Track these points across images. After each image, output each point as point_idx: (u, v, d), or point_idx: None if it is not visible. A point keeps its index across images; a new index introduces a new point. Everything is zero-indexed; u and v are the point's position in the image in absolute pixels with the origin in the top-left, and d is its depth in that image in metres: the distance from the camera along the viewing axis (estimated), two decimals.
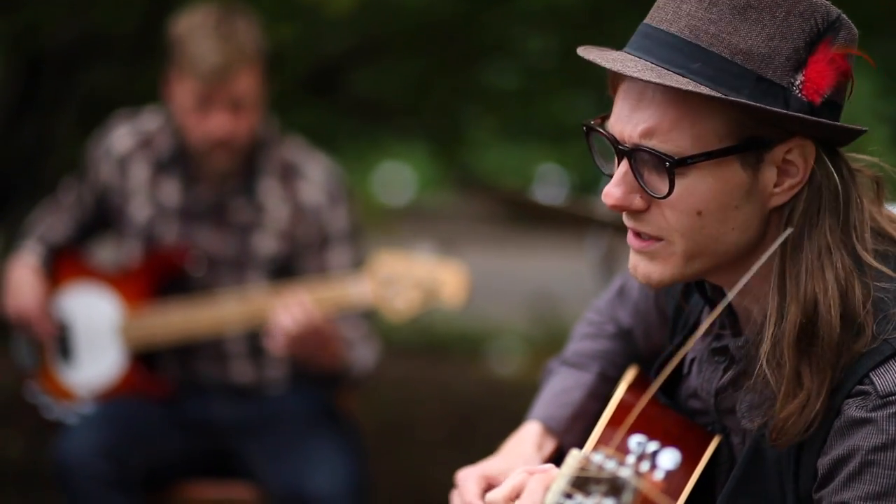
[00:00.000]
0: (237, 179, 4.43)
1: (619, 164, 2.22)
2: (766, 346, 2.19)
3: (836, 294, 2.15)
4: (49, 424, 4.50)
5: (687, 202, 2.17)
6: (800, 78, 2.14)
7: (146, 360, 4.46)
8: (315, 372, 4.40)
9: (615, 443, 2.09)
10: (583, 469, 1.95)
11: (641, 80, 2.14)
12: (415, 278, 4.24)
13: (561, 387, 2.73)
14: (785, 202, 2.19)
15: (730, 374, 2.33)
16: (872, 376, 2.12)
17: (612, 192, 2.22)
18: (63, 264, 4.54)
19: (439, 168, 10.98)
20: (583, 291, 5.79)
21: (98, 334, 4.47)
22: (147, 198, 4.46)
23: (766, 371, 2.19)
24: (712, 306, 2.38)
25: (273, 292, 4.30)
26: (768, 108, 2.11)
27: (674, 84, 2.11)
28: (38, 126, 6.86)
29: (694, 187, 2.16)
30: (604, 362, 2.74)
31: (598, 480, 1.92)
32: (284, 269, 4.44)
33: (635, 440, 1.95)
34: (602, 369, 2.74)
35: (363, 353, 4.43)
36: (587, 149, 2.32)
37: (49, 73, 6.75)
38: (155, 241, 4.45)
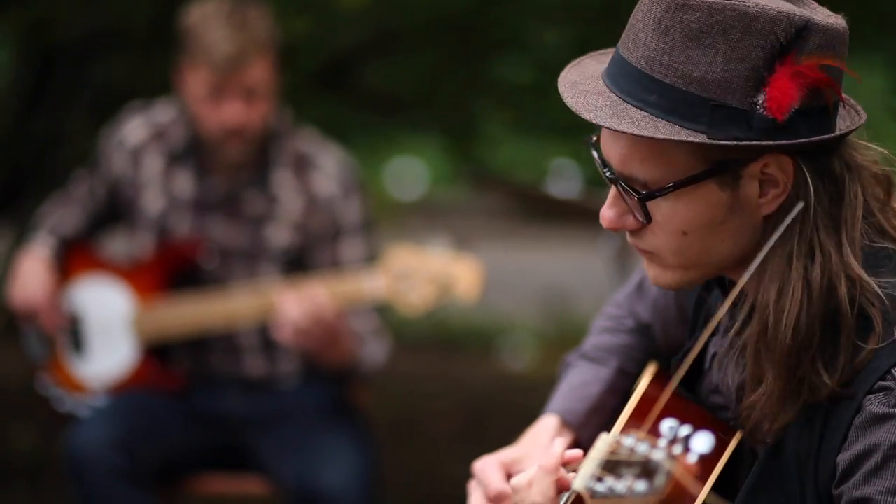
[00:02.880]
0: (251, 171, 4.42)
1: (609, 185, 2.24)
2: (727, 341, 2.25)
3: (798, 300, 2.14)
4: (61, 417, 4.50)
5: (671, 224, 2.18)
6: (762, 97, 2.10)
7: (158, 353, 4.46)
8: (324, 368, 4.39)
9: (646, 427, 2.07)
10: (613, 452, 1.93)
11: (595, 123, 2.15)
12: (429, 273, 4.22)
13: (579, 381, 2.72)
14: (774, 210, 2.18)
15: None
16: (895, 372, 2.12)
17: (607, 213, 2.25)
18: (75, 257, 4.54)
19: (452, 162, 10.95)
20: (596, 287, 5.78)
21: (110, 327, 4.47)
22: (160, 190, 4.46)
23: (729, 364, 2.25)
24: (734, 303, 2.37)
25: (286, 285, 4.29)
26: (721, 142, 2.10)
27: (622, 129, 2.12)
28: (50, 118, 6.87)
29: (675, 211, 2.17)
30: (622, 357, 2.73)
31: (629, 463, 1.90)
32: (297, 261, 4.43)
33: (667, 424, 1.92)
34: (620, 364, 2.72)
35: (373, 350, 4.42)
36: (594, 161, 2.31)
37: (61, 66, 6.76)
38: (168, 234, 4.45)
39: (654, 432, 1.95)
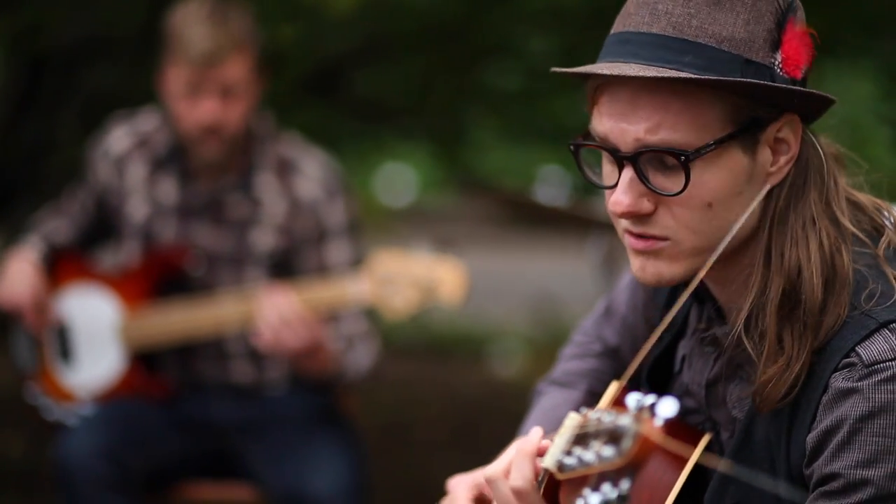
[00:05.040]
0: (234, 175, 4.43)
1: (620, 171, 2.24)
2: (744, 314, 2.24)
3: (819, 261, 2.21)
4: (49, 426, 4.49)
5: (698, 196, 2.20)
6: (779, 57, 2.21)
7: (146, 360, 4.46)
8: (306, 376, 4.39)
9: (611, 402, 2.09)
10: (582, 426, 1.95)
11: (645, 77, 2.16)
12: (413, 277, 4.23)
13: (550, 404, 2.76)
14: (780, 181, 2.25)
15: (720, 362, 2.35)
16: (858, 349, 2.16)
17: (622, 199, 2.23)
18: (63, 266, 4.54)
19: (441, 169, 10.97)
20: (584, 293, 5.80)
21: (98, 335, 4.47)
22: (144, 197, 4.47)
23: (744, 338, 2.24)
24: (700, 302, 2.43)
25: (266, 290, 4.30)
26: (769, 83, 2.18)
27: (674, 76, 2.15)
28: (40, 126, 6.86)
29: (704, 180, 2.20)
30: (591, 380, 2.77)
31: (597, 433, 1.92)
32: (283, 265, 4.44)
33: (633, 398, 1.94)
34: (590, 387, 2.76)
35: (358, 355, 4.42)
36: (577, 167, 2.34)
37: (51, 73, 6.75)
38: (153, 241, 4.45)
39: (621, 405, 1.97)
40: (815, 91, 2.23)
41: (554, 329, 9.26)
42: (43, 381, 4.51)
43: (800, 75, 2.22)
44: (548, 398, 2.77)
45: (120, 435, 4.29)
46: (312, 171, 4.48)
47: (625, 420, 1.88)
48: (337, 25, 6.64)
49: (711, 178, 2.19)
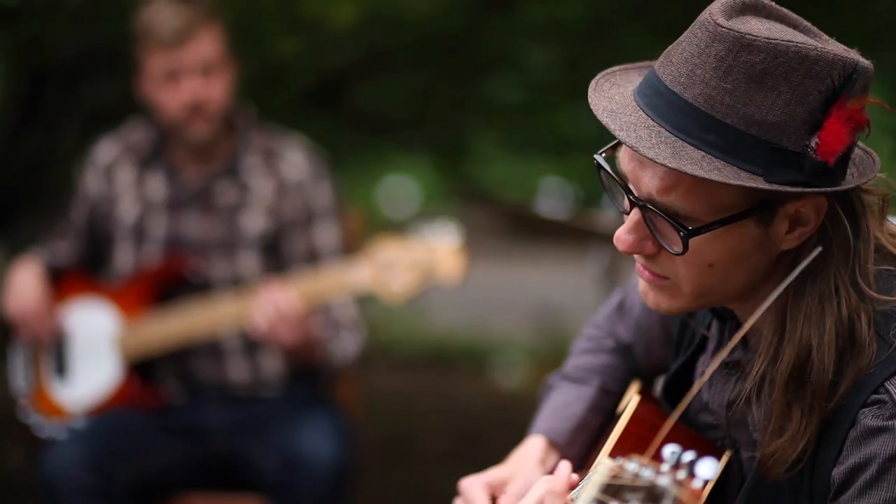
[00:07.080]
0: (220, 162, 4.51)
1: (631, 209, 2.21)
2: (754, 380, 2.21)
3: (833, 337, 2.15)
4: (41, 443, 4.49)
5: (700, 258, 2.18)
6: (815, 140, 2.11)
7: (142, 369, 4.46)
8: (294, 363, 4.43)
9: (649, 452, 2.07)
10: (615, 477, 1.93)
11: (657, 162, 2.10)
12: (411, 260, 4.25)
13: (562, 401, 2.74)
14: (794, 246, 2.19)
15: (740, 385, 2.32)
16: (888, 385, 2.14)
17: (625, 238, 2.22)
18: (66, 282, 4.56)
19: (443, 181, 10.96)
20: (586, 304, 5.79)
21: (95, 347, 4.48)
22: (134, 197, 4.53)
23: (753, 404, 2.23)
24: (721, 319, 2.40)
25: (266, 283, 4.32)
26: (782, 189, 2.09)
27: (689, 171, 2.08)
28: (41, 139, 6.86)
29: (710, 246, 2.17)
30: (604, 376, 2.75)
31: (633, 488, 1.89)
32: (273, 248, 4.47)
33: (669, 450, 1.92)
34: (602, 383, 2.74)
35: (345, 343, 4.46)
36: (599, 183, 2.29)
37: (52, 86, 6.75)
38: (145, 239, 4.49)
39: (657, 457, 1.95)
40: (826, 189, 2.12)
41: (556, 340, 9.25)
42: (36, 398, 4.52)
43: (832, 162, 2.11)
44: (560, 393, 2.76)
45: (105, 445, 4.29)
46: (297, 157, 4.57)
47: (664, 480, 1.86)
48: (338, 38, 6.65)
49: (718, 245, 2.16)
